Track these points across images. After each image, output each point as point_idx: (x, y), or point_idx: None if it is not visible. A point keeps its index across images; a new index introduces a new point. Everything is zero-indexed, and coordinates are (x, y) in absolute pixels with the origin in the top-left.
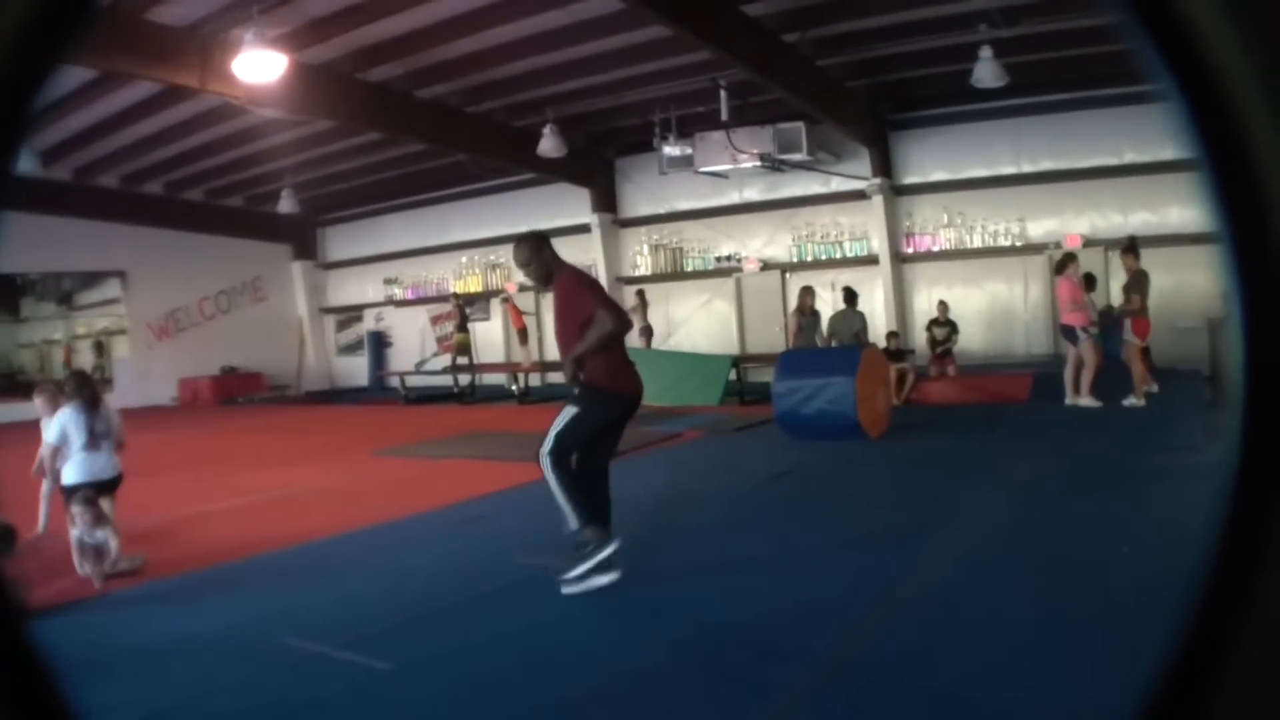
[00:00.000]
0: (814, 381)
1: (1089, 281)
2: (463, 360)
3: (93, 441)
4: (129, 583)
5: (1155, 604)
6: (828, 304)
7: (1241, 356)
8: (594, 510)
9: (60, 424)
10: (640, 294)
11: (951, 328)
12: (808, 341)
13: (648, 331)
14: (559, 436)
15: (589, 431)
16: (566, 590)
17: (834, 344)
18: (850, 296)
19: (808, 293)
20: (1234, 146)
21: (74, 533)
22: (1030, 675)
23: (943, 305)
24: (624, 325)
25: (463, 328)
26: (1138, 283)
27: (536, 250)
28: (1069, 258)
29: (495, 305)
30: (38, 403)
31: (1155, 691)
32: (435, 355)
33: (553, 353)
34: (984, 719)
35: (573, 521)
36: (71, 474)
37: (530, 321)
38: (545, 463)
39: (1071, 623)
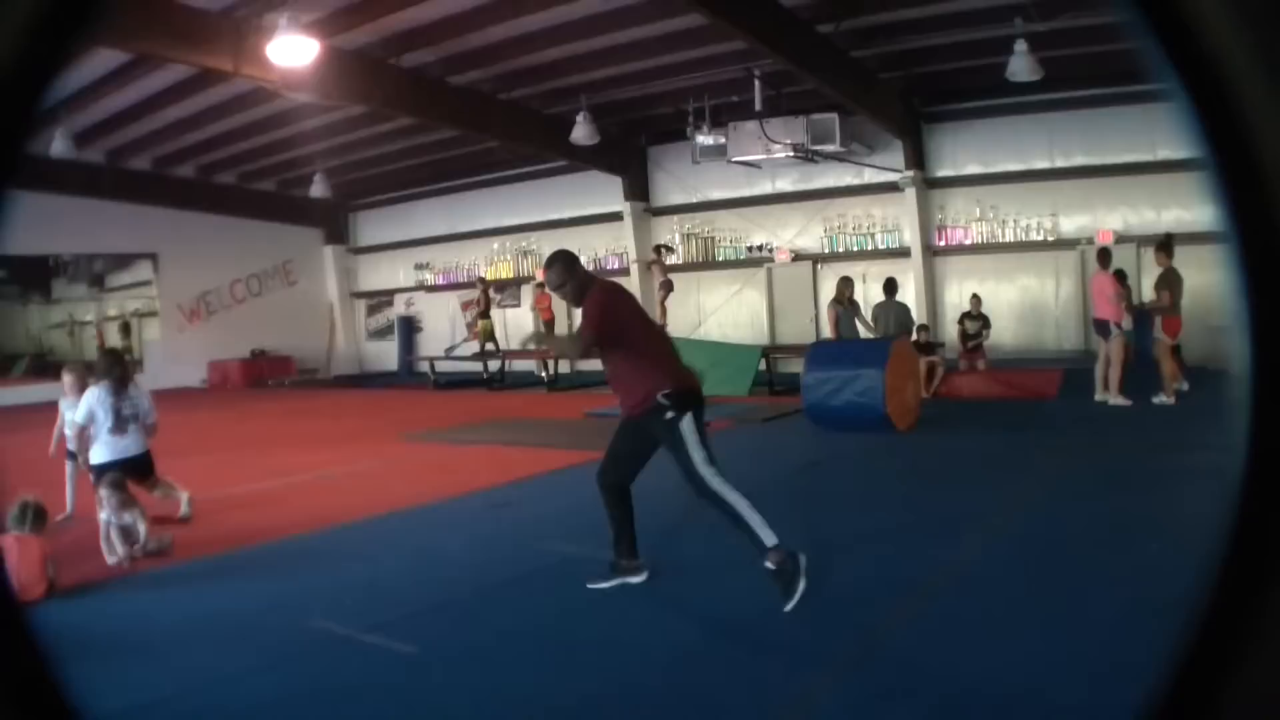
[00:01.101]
0: (843, 373)
1: (1119, 277)
2: (488, 346)
3: (119, 426)
4: (157, 564)
5: (1185, 603)
6: (860, 296)
7: (1248, 356)
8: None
9: (88, 405)
10: (658, 250)
11: (984, 322)
12: (847, 331)
13: (667, 285)
14: (705, 457)
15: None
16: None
17: (879, 334)
18: (890, 286)
19: (846, 283)
20: (1239, 145)
21: (101, 516)
22: (1056, 672)
23: (976, 299)
24: (583, 356)
25: (486, 314)
26: (1168, 280)
27: (569, 269)
28: (1110, 252)
29: (526, 292)
30: (66, 380)
31: (1162, 692)
32: (465, 341)
33: None
34: (1006, 715)
35: (768, 538)
36: (99, 454)
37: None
38: (719, 489)
39: (1099, 621)
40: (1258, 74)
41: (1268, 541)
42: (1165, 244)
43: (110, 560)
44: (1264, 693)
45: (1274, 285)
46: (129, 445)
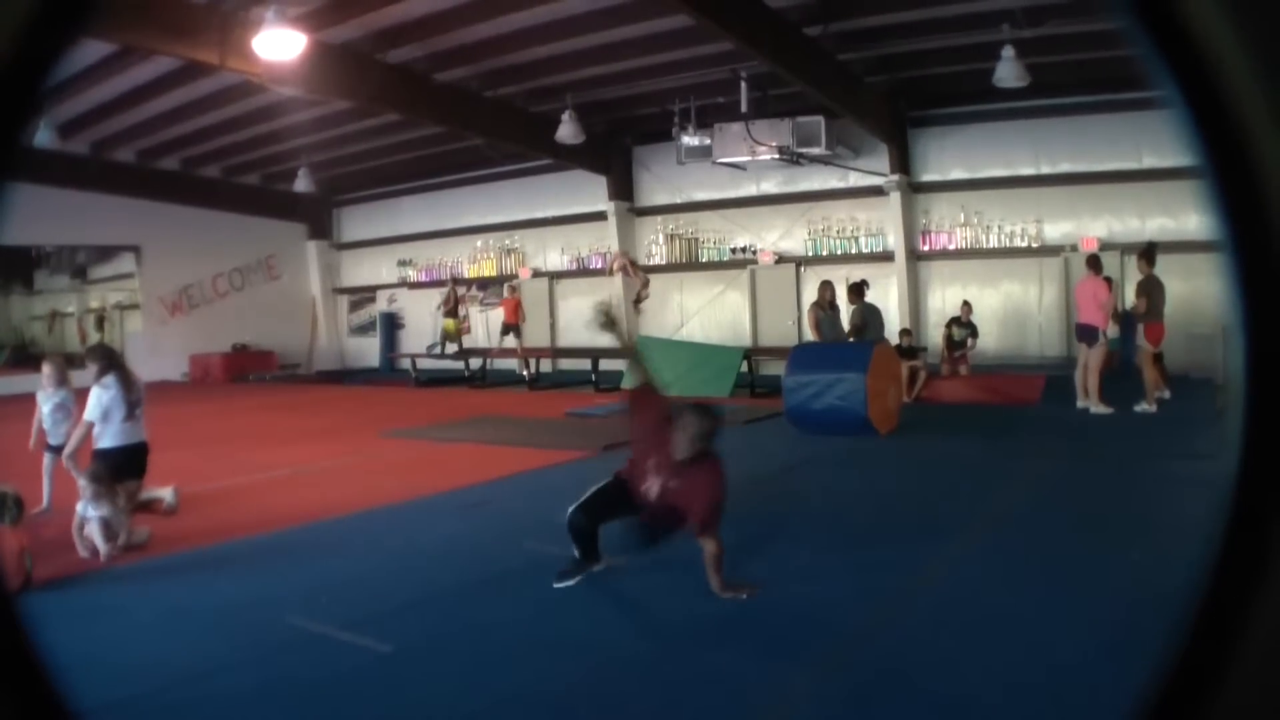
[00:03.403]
0: (825, 377)
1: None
2: (452, 347)
3: (130, 414)
4: (133, 558)
5: (1164, 611)
6: (841, 299)
7: (1243, 361)
8: None
9: (101, 404)
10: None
11: (971, 330)
12: (829, 334)
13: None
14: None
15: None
16: None
17: (872, 337)
18: (861, 290)
19: (827, 286)
20: (1236, 152)
21: (78, 508)
22: (1034, 679)
23: (966, 306)
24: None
25: (453, 313)
26: (1147, 287)
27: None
28: (1100, 259)
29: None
30: (45, 372)
31: (1155, 694)
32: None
33: (553, 340)
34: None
35: None
36: (109, 440)
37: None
38: None
39: (1078, 628)
40: (1256, 82)
41: (1260, 544)
42: (1147, 252)
43: (82, 553)
44: (1256, 693)
45: (1271, 291)
46: (137, 431)
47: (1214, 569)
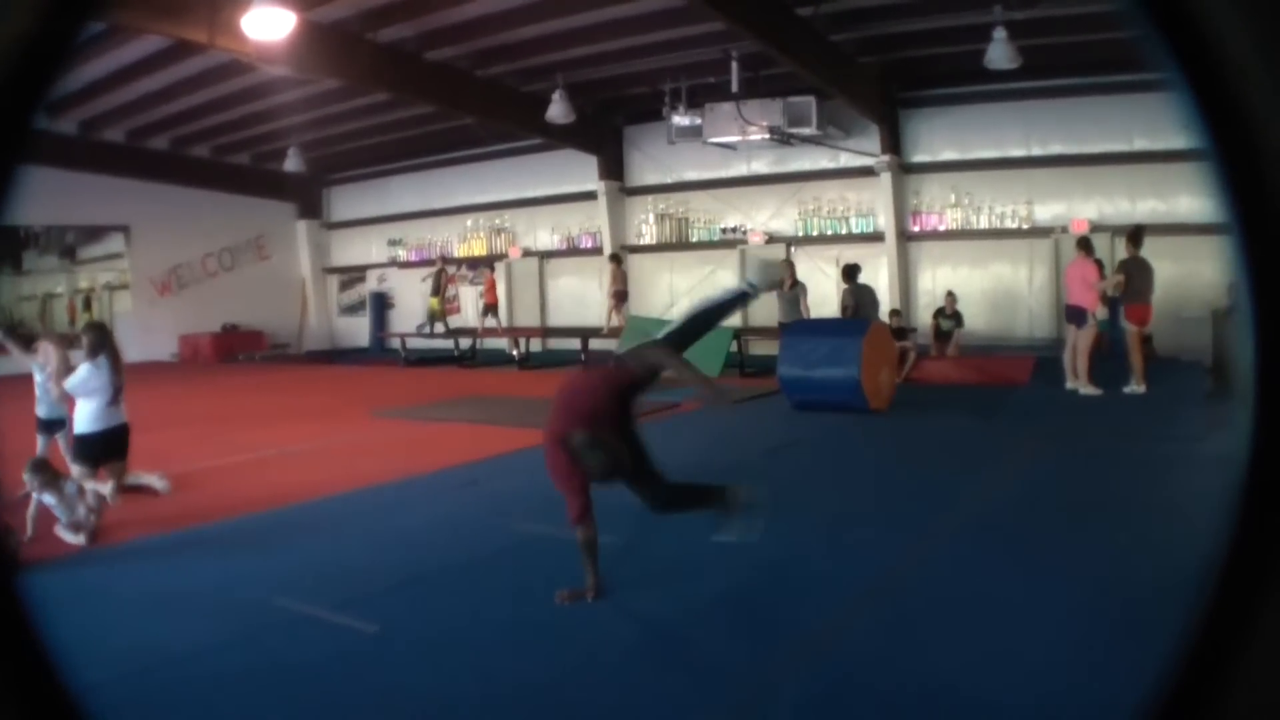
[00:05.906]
0: (821, 340)
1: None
2: (439, 327)
3: (115, 398)
4: (117, 538)
5: (1151, 593)
6: (833, 279)
7: (1251, 347)
8: None
9: (86, 380)
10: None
11: (957, 320)
12: (789, 314)
13: (620, 296)
14: None
15: None
16: None
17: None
18: (853, 272)
19: (787, 266)
20: (1240, 134)
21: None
22: (1020, 664)
23: (950, 297)
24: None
25: (436, 292)
26: (1126, 267)
27: None
28: (1090, 240)
29: (500, 271)
30: (46, 347)
31: (1162, 691)
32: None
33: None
34: (970, 708)
35: None
36: (90, 424)
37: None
38: None
39: (1065, 611)
40: (1260, 64)
41: (1269, 536)
42: (1134, 234)
43: (24, 535)
44: (1265, 690)
45: (1276, 274)
46: (117, 414)
47: (1221, 563)
